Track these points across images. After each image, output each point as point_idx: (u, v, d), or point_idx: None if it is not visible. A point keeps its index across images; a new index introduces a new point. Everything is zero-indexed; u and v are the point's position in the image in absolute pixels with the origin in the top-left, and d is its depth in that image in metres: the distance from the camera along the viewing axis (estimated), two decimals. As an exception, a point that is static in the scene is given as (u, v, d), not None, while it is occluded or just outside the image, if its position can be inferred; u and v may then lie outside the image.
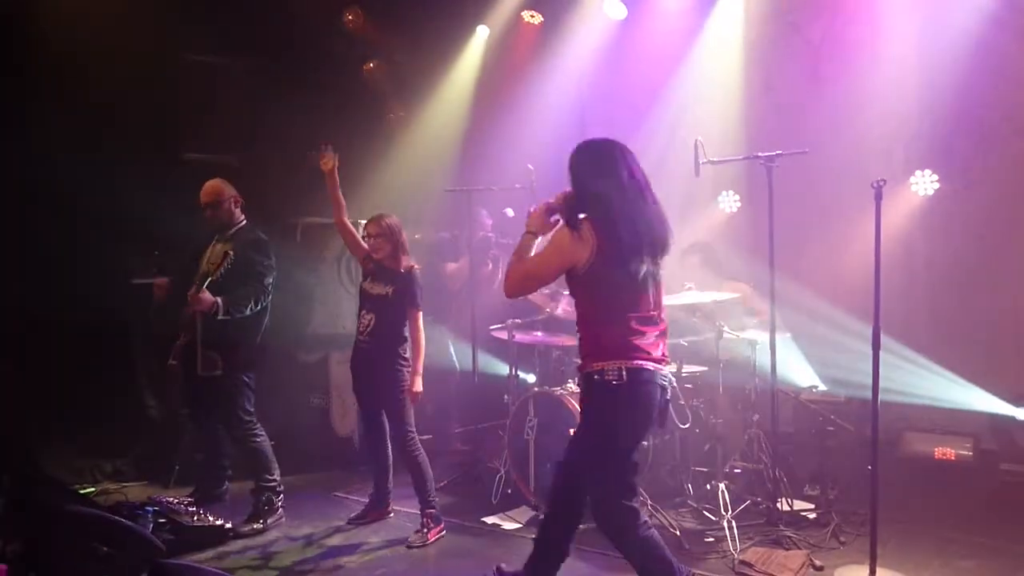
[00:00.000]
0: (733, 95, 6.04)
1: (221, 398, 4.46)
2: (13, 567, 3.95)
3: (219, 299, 4.28)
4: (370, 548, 4.22)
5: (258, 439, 4.50)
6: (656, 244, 3.06)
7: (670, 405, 3.23)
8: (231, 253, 4.31)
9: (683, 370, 4.69)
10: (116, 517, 3.76)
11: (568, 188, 3.12)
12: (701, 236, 5.73)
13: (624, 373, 2.96)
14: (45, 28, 5.01)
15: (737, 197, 6.26)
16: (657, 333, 3.08)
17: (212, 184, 4.63)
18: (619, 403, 3.00)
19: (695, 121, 5.91)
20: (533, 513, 4.63)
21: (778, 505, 4.34)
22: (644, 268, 3.00)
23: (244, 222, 4.67)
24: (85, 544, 3.62)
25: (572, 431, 4.60)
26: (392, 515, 4.64)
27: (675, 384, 4.23)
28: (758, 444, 4.60)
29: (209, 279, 4.26)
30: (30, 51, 5.00)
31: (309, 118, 5.59)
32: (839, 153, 5.48)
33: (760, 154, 4.17)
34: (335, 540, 4.35)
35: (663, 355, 3.09)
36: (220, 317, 4.28)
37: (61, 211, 5.09)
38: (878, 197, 3.47)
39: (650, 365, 3.01)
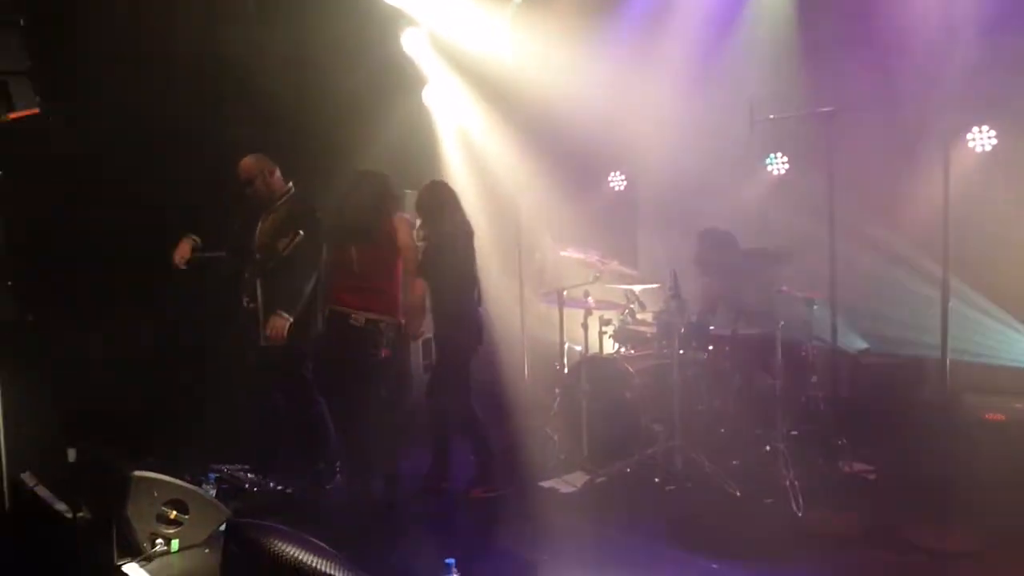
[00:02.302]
0: (784, 55, 5.89)
1: (284, 366, 4.49)
2: (84, 532, 4.07)
3: (285, 315, 4.31)
4: (431, 506, 4.28)
5: (318, 406, 4.54)
6: None
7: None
8: (301, 233, 4.29)
9: (739, 331, 4.65)
10: (183, 482, 3.82)
11: None
12: (749, 199, 5.66)
13: None
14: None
15: (785, 159, 6.14)
16: None
17: (242, 163, 4.61)
18: None
19: (744, 82, 5.78)
20: (588, 477, 4.63)
21: (839, 466, 4.31)
22: None
23: (291, 191, 4.63)
24: (154, 509, 3.71)
25: (628, 394, 4.66)
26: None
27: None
28: (816, 406, 4.55)
29: (272, 257, 4.31)
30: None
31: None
32: (892, 110, 5.35)
33: (820, 109, 4.08)
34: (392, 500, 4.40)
35: None
36: (290, 317, 4.32)
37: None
38: (945, 149, 3.39)
39: None
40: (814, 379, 4.57)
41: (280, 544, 2.71)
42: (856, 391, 4.98)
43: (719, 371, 4.78)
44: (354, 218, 4.60)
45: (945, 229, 3.41)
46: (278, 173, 4.60)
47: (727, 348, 4.78)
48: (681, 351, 4.56)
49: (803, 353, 4.62)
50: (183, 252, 4.57)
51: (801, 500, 3.96)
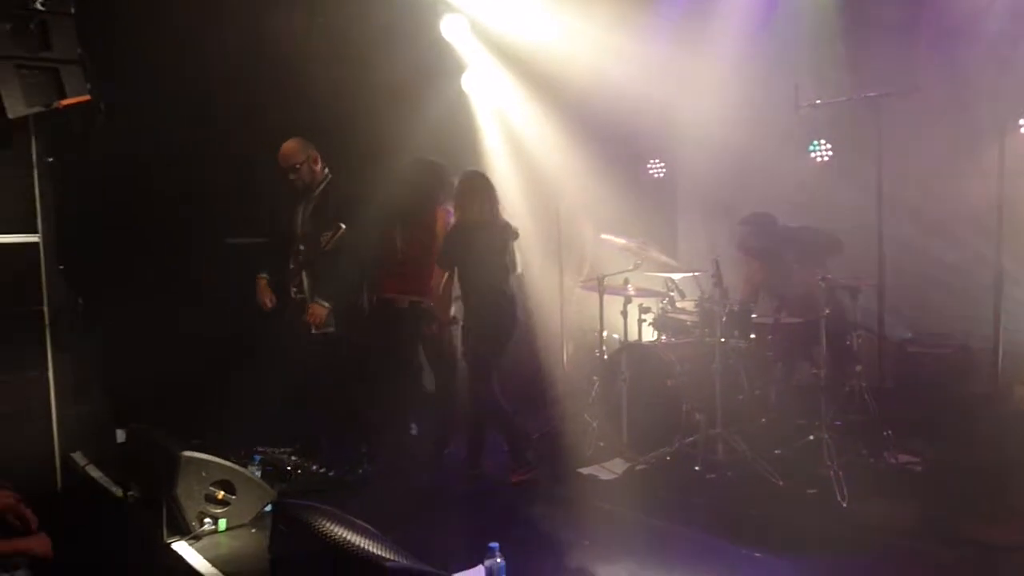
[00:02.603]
0: (829, 39, 5.78)
1: (331, 351, 4.54)
2: (133, 511, 4.17)
3: (325, 304, 4.44)
4: (471, 491, 4.30)
5: (365, 390, 4.62)
6: None
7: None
8: (343, 227, 4.32)
9: (781, 319, 4.59)
10: (231, 463, 3.89)
11: None
12: (790, 187, 5.56)
13: None
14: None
15: (829, 146, 6.03)
16: None
17: (287, 147, 4.62)
18: None
19: (789, 67, 5.67)
20: (628, 464, 4.62)
21: (884, 457, 4.25)
22: None
23: (328, 177, 4.67)
24: (203, 489, 3.79)
25: (668, 382, 4.64)
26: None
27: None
28: (861, 396, 4.49)
29: (316, 251, 4.38)
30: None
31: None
32: (942, 95, 5.22)
33: (868, 93, 4.00)
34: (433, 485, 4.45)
35: None
36: (329, 306, 4.44)
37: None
38: (1000, 134, 3.31)
39: None
40: (859, 368, 4.50)
41: (327, 524, 2.75)
42: (902, 381, 4.89)
43: (761, 360, 4.74)
44: (404, 204, 4.70)
45: (999, 216, 3.32)
46: (319, 158, 4.66)
47: (769, 337, 4.73)
48: (723, 339, 4.52)
49: (847, 342, 4.56)
50: (265, 295, 4.75)
51: (846, 490, 3.91)
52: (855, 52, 5.51)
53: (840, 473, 3.99)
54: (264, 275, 4.75)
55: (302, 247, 4.56)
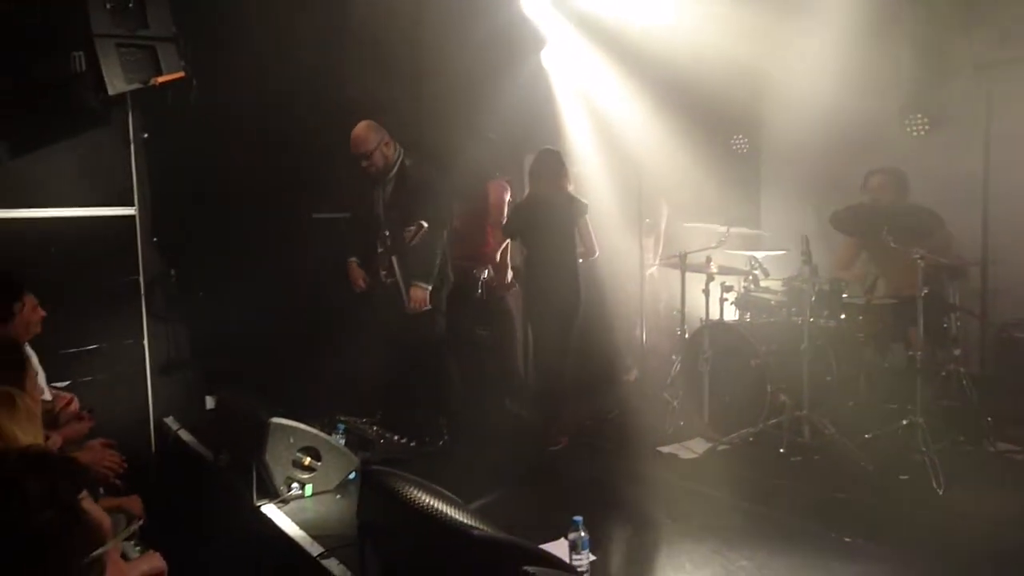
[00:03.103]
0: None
1: (423, 330, 4.61)
2: (224, 474, 4.32)
3: (422, 284, 4.53)
4: (552, 465, 4.32)
5: (450, 364, 4.68)
6: None
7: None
8: (424, 225, 4.40)
9: (873, 300, 4.43)
10: (317, 431, 3.98)
11: None
12: (887, 162, 5.31)
13: None
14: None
15: (926, 120, 5.74)
16: None
17: (356, 135, 4.57)
18: None
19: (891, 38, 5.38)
20: (709, 444, 4.55)
21: (983, 445, 4.06)
22: None
23: (402, 155, 4.65)
24: (291, 454, 3.89)
25: (753, 362, 4.53)
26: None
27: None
28: (959, 381, 4.29)
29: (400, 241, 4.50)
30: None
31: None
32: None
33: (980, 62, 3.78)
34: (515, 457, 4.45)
35: None
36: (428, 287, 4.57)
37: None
38: None
39: None
40: (957, 352, 4.30)
41: (414, 491, 2.78)
42: (1005, 368, 4.65)
43: (851, 341, 4.58)
44: (459, 181, 4.96)
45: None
46: (391, 140, 4.64)
47: (860, 317, 4.56)
48: (811, 319, 4.39)
49: (945, 324, 4.35)
50: (357, 276, 4.82)
51: (942, 477, 3.76)
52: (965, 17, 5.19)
53: (936, 459, 3.82)
54: (354, 259, 4.83)
55: (387, 232, 4.61)
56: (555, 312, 4.77)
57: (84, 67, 4.08)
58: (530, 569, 2.11)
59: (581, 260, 4.89)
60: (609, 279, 6.04)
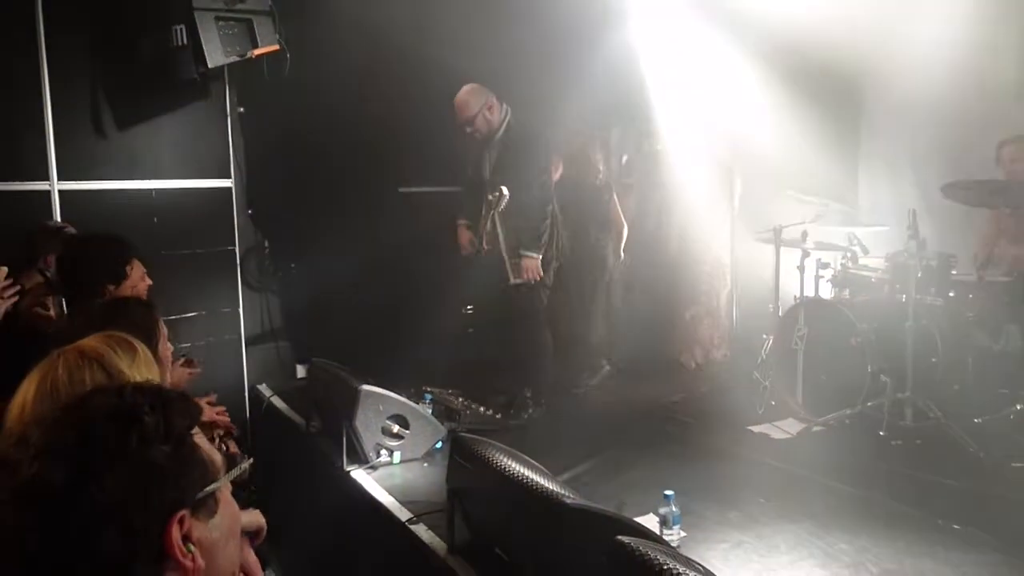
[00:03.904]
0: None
1: (524, 303, 4.59)
2: (313, 440, 4.42)
3: (532, 254, 4.45)
4: (640, 440, 4.24)
5: (546, 339, 4.69)
6: None
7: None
8: (504, 192, 4.27)
9: (986, 277, 4.17)
10: (405, 400, 4.02)
11: None
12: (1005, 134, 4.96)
13: None
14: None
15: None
16: None
17: (459, 100, 4.51)
18: None
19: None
20: (803, 426, 4.39)
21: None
22: None
23: (509, 116, 4.56)
24: (379, 421, 3.94)
25: (853, 340, 4.34)
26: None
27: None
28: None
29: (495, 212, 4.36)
30: None
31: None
32: None
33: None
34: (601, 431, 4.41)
35: None
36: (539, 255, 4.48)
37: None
38: None
39: None
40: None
41: (504, 459, 2.77)
42: None
43: (960, 320, 4.33)
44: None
45: None
46: (496, 103, 4.55)
47: (970, 295, 4.31)
48: (917, 296, 4.16)
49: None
50: (464, 238, 4.82)
51: (1060, 466, 3.52)
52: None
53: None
54: (464, 220, 4.81)
55: (490, 198, 4.54)
56: (579, 281, 5.46)
57: (185, 40, 4.19)
58: (623, 538, 2.06)
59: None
60: (695, 257, 5.92)
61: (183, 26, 4.18)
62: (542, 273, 4.48)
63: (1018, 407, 3.86)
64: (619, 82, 5.87)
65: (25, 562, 0.87)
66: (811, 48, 4.93)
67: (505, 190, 4.27)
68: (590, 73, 5.58)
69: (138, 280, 3.29)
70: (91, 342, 1.49)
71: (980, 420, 3.98)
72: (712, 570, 2.15)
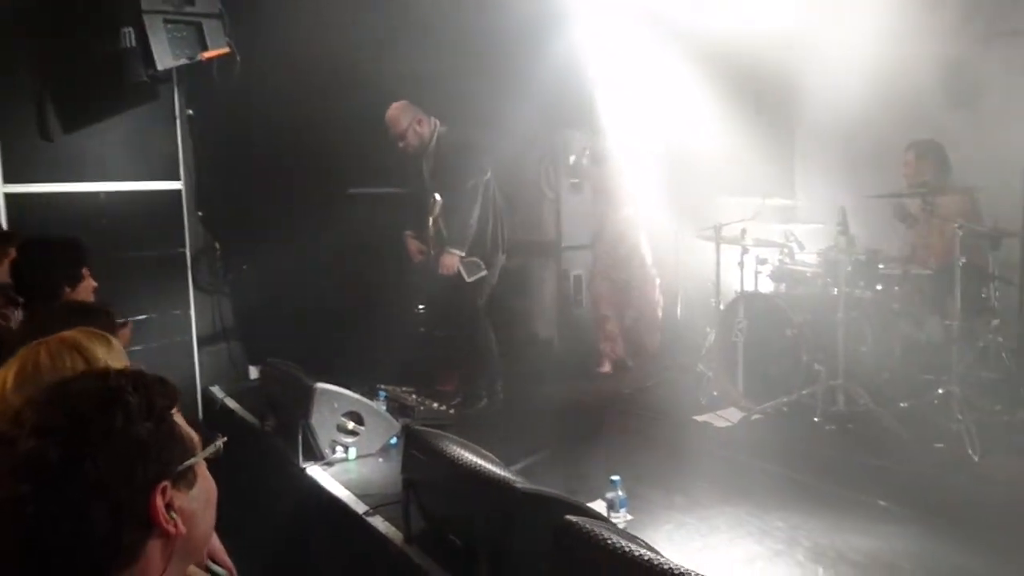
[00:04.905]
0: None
1: (469, 300, 4.75)
2: (268, 439, 4.47)
3: (454, 251, 4.62)
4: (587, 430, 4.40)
5: (489, 334, 4.82)
6: None
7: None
8: (437, 198, 4.56)
9: (912, 271, 4.43)
10: (360, 396, 4.10)
11: None
12: (923, 132, 5.26)
13: None
14: None
15: (965, 88, 5.63)
16: None
17: (388, 116, 4.77)
18: None
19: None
20: (743, 414, 4.59)
21: (1021, 415, 4.05)
22: None
23: (437, 131, 4.78)
24: (335, 418, 4.02)
25: (788, 332, 4.56)
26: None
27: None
28: (997, 353, 4.27)
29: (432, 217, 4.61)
30: None
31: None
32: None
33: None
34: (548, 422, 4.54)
35: None
36: (464, 255, 4.64)
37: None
38: None
39: None
40: (995, 323, 4.28)
41: (458, 450, 2.89)
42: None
43: (887, 312, 4.58)
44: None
45: None
46: (424, 117, 4.77)
47: (896, 288, 4.56)
48: (847, 289, 4.40)
49: (984, 294, 4.34)
50: (413, 248, 4.97)
51: (978, 445, 3.77)
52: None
53: (972, 428, 3.83)
54: (410, 232, 4.99)
55: (432, 203, 4.74)
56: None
57: (133, 43, 4.20)
58: (572, 517, 2.19)
59: None
60: (640, 259, 6.08)
61: (131, 29, 4.19)
62: (460, 270, 4.66)
63: (940, 391, 4.11)
64: (564, 85, 6.02)
65: (21, 531, 0.95)
66: (747, 55, 5.16)
67: (438, 196, 4.58)
68: (536, 77, 5.71)
69: (88, 283, 3.32)
70: (70, 333, 1.59)
71: (906, 404, 4.23)
72: (657, 548, 2.30)
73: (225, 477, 1.22)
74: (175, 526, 1.03)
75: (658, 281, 5.78)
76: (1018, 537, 3.05)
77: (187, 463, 1.07)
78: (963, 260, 4.05)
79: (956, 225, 4.05)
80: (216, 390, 5.39)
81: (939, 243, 4.50)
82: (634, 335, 5.88)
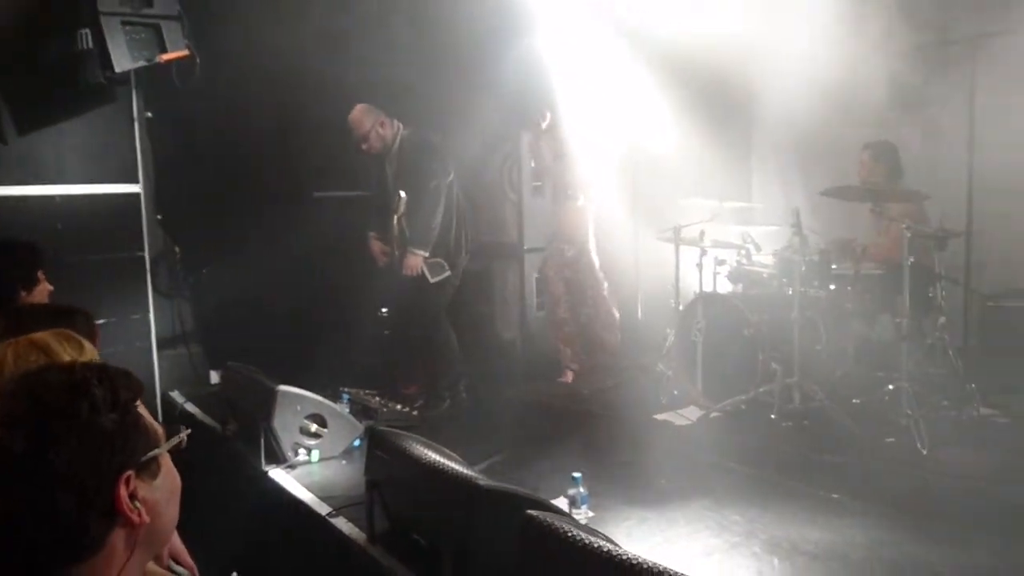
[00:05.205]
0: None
1: (430, 301, 4.79)
2: (229, 443, 4.44)
3: (418, 252, 4.66)
4: (551, 430, 4.44)
5: (450, 335, 4.87)
6: None
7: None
8: (402, 195, 4.59)
9: (862, 271, 4.56)
10: (322, 399, 4.10)
11: None
12: (873, 134, 5.42)
13: None
14: None
15: (912, 91, 5.80)
16: None
17: (351, 118, 4.80)
18: None
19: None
20: (703, 412, 4.68)
21: (967, 409, 4.20)
22: None
23: (400, 133, 4.82)
24: (297, 421, 4.01)
25: (745, 331, 4.66)
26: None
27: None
28: (943, 350, 4.42)
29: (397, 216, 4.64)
30: None
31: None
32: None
33: (962, 34, 3.88)
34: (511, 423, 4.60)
35: None
36: (428, 255, 4.69)
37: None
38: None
39: None
40: (942, 321, 4.42)
41: (421, 449, 2.91)
42: (988, 337, 4.79)
43: (840, 311, 4.71)
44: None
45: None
46: (387, 120, 4.80)
47: (849, 288, 4.69)
48: (802, 289, 4.51)
49: (931, 294, 4.48)
50: (377, 250, 5.00)
51: (926, 439, 3.89)
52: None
53: (920, 423, 3.96)
54: (373, 233, 5.01)
55: (394, 204, 4.77)
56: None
57: (90, 45, 4.16)
58: (533, 512, 2.24)
59: None
60: (602, 256, 6.16)
61: (89, 30, 4.15)
62: (424, 270, 4.71)
63: (890, 388, 4.24)
64: (526, 88, 6.08)
65: None
66: (704, 60, 5.25)
67: (403, 194, 4.61)
68: (498, 79, 5.76)
69: (46, 286, 3.27)
70: (41, 335, 1.59)
71: (859, 401, 4.36)
72: (617, 543, 2.35)
73: (186, 482, 1.23)
74: (139, 515, 1.05)
75: (606, 284, 5.80)
76: (965, 526, 3.17)
77: (151, 453, 1.09)
78: (911, 260, 4.18)
79: (904, 226, 4.19)
80: (176, 395, 5.34)
81: (888, 243, 4.64)
82: (591, 332, 5.93)
